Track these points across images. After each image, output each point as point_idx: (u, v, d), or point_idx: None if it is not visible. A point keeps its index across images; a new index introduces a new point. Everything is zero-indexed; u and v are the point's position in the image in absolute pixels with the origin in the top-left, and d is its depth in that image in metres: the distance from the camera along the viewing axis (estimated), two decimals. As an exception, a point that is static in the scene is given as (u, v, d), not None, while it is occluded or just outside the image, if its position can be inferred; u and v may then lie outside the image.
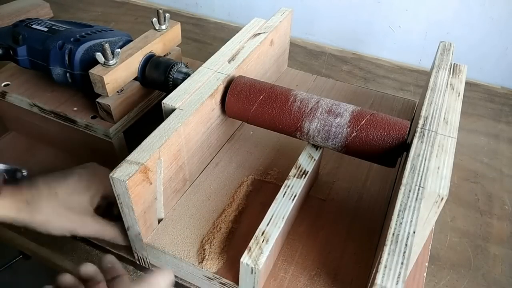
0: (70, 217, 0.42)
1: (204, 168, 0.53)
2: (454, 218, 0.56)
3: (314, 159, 0.46)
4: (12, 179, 0.45)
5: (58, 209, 0.41)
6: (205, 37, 0.96)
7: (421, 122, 0.41)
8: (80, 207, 0.43)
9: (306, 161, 0.46)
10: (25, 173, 0.46)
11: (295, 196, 0.43)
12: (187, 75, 0.52)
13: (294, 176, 0.44)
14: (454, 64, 0.52)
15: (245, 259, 0.37)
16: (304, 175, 0.45)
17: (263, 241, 0.38)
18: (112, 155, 0.55)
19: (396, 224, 0.33)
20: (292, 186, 0.43)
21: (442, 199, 0.34)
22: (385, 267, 0.30)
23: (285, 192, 0.43)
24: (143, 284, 0.35)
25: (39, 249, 0.50)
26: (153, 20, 0.57)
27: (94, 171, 0.45)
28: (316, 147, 0.48)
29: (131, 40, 0.56)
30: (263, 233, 0.39)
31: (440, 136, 0.40)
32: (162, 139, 0.41)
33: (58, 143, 0.60)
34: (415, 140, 0.39)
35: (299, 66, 0.85)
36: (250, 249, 0.38)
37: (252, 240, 0.38)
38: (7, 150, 0.60)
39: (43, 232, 0.41)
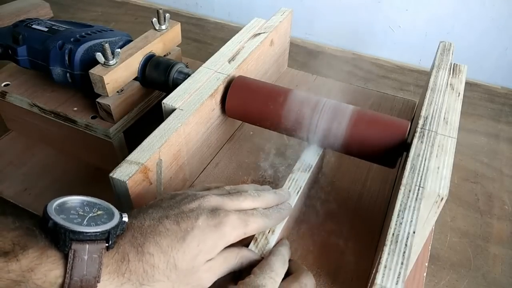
0: (191, 283, 0.32)
1: (204, 168, 0.53)
2: (454, 218, 0.56)
3: (318, 154, 0.47)
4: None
5: (177, 282, 0.31)
6: (205, 37, 0.96)
7: (421, 122, 0.41)
8: (202, 270, 0.33)
9: (310, 156, 0.46)
10: (125, 218, 0.31)
11: (300, 188, 0.43)
12: (187, 75, 0.52)
13: (298, 170, 0.45)
14: (454, 64, 0.52)
15: (251, 248, 0.37)
16: (308, 169, 0.45)
17: (269, 232, 0.38)
18: (112, 155, 0.55)
19: (396, 224, 0.33)
20: (297, 180, 0.44)
21: (442, 199, 0.34)
22: (385, 267, 0.30)
23: (290, 185, 0.43)
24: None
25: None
26: (153, 20, 0.57)
27: (222, 227, 0.33)
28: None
29: (131, 40, 0.56)
30: None
31: (440, 136, 0.40)
32: (162, 139, 0.41)
33: (58, 143, 0.60)
34: (415, 140, 0.39)
35: (299, 66, 0.85)
36: (256, 240, 0.38)
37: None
38: (7, 150, 0.60)
39: None
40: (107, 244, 0.28)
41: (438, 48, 0.54)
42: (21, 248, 0.26)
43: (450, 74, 0.50)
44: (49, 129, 0.58)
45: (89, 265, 0.27)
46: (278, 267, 0.35)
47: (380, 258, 0.31)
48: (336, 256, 0.44)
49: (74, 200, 0.30)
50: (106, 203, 0.31)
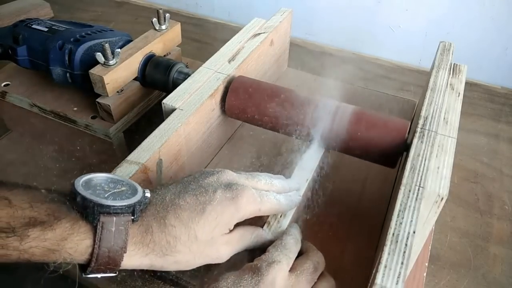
0: (210, 254, 0.34)
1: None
2: (454, 218, 0.56)
3: (320, 154, 0.47)
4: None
5: (197, 250, 0.33)
6: (205, 37, 0.96)
7: (421, 122, 0.41)
8: (220, 242, 0.34)
9: (312, 156, 0.47)
10: (148, 193, 0.33)
11: (308, 178, 0.43)
12: (187, 75, 0.52)
13: (300, 170, 0.45)
14: (454, 64, 0.52)
15: (265, 231, 0.38)
16: (310, 170, 0.45)
17: (281, 216, 0.39)
18: (112, 155, 0.55)
19: (396, 224, 0.33)
20: (298, 180, 0.44)
21: (442, 199, 0.34)
22: (385, 267, 0.30)
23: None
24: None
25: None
26: (153, 20, 0.57)
27: (236, 197, 0.34)
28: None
29: (131, 40, 0.56)
30: None
31: (440, 136, 0.40)
32: (162, 139, 0.41)
33: (58, 143, 0.60)
34: (415, 140, 0.39)
35: (299, 66, 0.85)
36: (269, 223, 0.39)
37: (271, 216, 0.40)
38: (7, 150, 0.60)
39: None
40: (132, 217, 0.30)
41: (438, 48, 0.54)
42: (55, 218, 0.28)
43: (450, 74, 0.50)
44: (49, 129, 0.58)
45: (116, 236, 0.29)
46: (292, 245, 0.36)
47: (380, 258, 0.31)
48: (336, 256, 0.44)
49: (99, 177, 0.31)
50: (129, 180, 0.33)
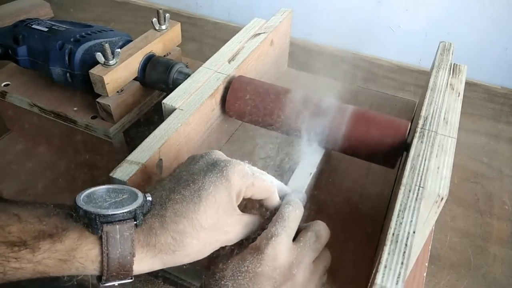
0: (221, 238, 0.34)
1: (204, 168, 0.53)
2: (454, 218, 0.56)
3: (321, 154, 0.47)
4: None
5: (207, 238, 0.33)
6: (205, 37, 0.96)
7: (421, 122, 0.41)
8: (230, 223, 0.34)
9: (313, 156, 0.47)
10: (149, 197, 0.32)
11: (309, 179, 0.43)
12: (187, 75, 0.52)
13: (301, 171, 0.45)
14: (454, 64, 0.52)
15: None
16: (311, 170, 0.45)
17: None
18: (112, 155, 0.55)
19: (396, 224, 0.33)
20: (299, 180, 0.44)
21: (442, 199, 0.34)
22: (385, 267, 0.30)
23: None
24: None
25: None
26: (153, 20, 0.57)
27: (226, 172, 0.33)
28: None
29: (131, 40, 0.56)
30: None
31: (440, 136, 0.40)
32: (162, 139, 0.41)
33: (58, 143, 0.60)
34: (415, 140, 0.39)
35: (299, 66, 0.85)
36: None
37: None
38: (7, 150, 0.60)
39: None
40: (135, 222, 0.31)
41: (438, 48, 0.54)
42: (63, 230, 0.29)
43: (450, 74, 0.50)
44: (49, 129, 0.58)
45: (122, 243, 0.30)
46: (291, 215, 0.36)
47: (380, 258, 0.31)
48: (336, 256, 0.44)
49: (99, 189, 0.32)
50: (130, 187, 0.33)
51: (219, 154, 0.36)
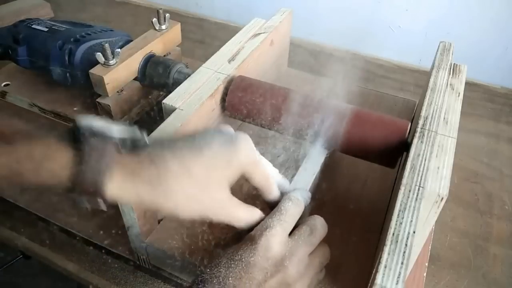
0: (204, 200, 0.33)
1: (204, 168, 0.53)
2: (454, 218, 0.56)
3: (322, 154, 0.47)
4: (130, 150, 0.32)
5: (190, 190, 0.32)
6: (205, 37, 0.96)
7: (421, 122, 0.41)
8: (216, 188, 0.33)
9: (314, 157, 0.47)
10: (147, 140, 0.33)
11: (315, 172, 0.44)
12: (187, 76, 0.52)
13: (303, 171, 0.45)
14: (454, 64, 0.52)
15: None
16: (313, 170, 0.45)
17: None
18: (112, 155, 0.55)
19: (396, 224, 0.33)
20: (301, 181, 0.44)
21: (442, 199, 0.34)
22: (385, 267, 0.30)
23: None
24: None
25: (39, 249, 0.50)
26: (153, 20, 0.57)
27: (235, 140, 0.34)
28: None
29: (131, 40, 0.56)
30: None
31: (440, 136, 0.40)
32: (162, 139, 0.41)
33: (58, 143, 0.60)
34: (415, 140, 0.39)
35: (299, 66, 0.85)
36: None
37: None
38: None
39: (168, 215, 0.35)
40: (123, 148, 0.31)
41: (438, 48, 0.54)
42: (43, 137, 0.30)
43: (450, 74, 0.50)
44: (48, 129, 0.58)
45: (99, 157, 0.29)
46: (289, 209, 0.36)
47: (380, 258, 0.31)
48: (336, 256, 0.44)
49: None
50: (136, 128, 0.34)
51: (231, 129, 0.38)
